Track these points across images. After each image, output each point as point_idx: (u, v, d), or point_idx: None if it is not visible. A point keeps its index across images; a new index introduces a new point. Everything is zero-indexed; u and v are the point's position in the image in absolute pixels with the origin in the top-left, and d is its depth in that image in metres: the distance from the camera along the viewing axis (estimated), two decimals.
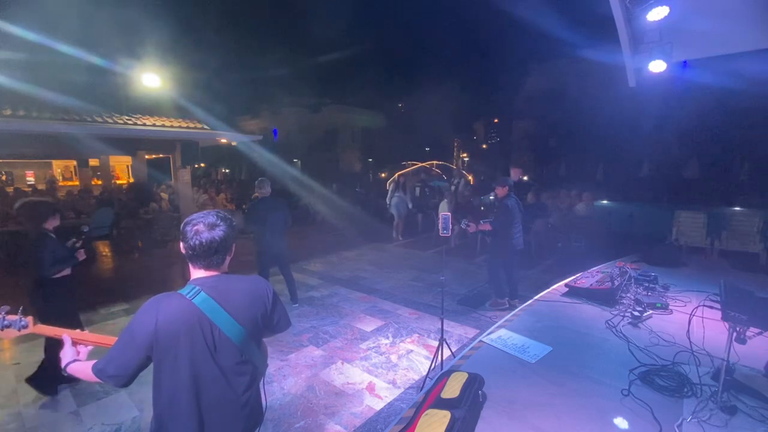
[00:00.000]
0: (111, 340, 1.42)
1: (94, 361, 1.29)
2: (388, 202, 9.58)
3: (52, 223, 2.97)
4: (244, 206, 11.08)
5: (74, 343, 1.42)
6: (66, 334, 1.42)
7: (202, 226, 1.32)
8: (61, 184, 13.53)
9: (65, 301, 3.01)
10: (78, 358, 1.37)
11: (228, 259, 1.41)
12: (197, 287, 1.31)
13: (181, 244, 1.35)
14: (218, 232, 1.33)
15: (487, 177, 18.26)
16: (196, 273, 1.37)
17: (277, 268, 4.91)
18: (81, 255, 3.04)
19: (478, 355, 2.11)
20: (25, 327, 1.41)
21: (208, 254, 1.33)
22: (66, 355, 1.37)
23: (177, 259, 7.69)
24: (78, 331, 1.47)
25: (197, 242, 1.31)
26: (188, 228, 1.33)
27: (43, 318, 2.79)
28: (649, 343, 2.19)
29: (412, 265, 7.12)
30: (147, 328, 1.22)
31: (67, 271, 3.00)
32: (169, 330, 1.24)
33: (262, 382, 1.55)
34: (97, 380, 1.28)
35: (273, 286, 1.53)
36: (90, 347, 1.44)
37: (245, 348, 1.37)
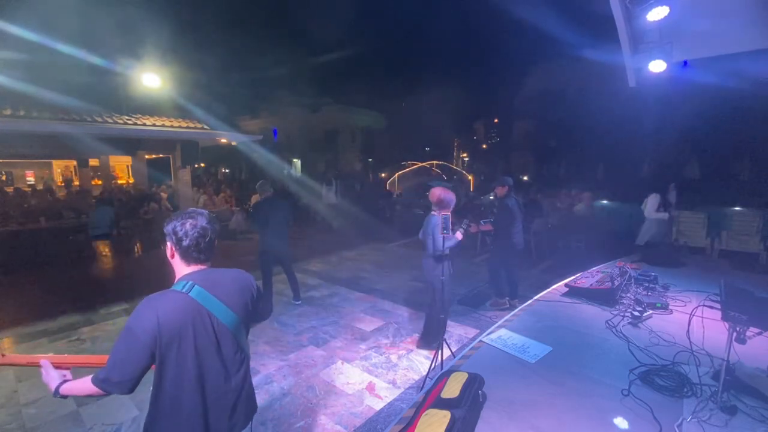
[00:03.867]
0: (90, 359, 1.44)
1: (90, 376, 1.26)
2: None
3: (447, 212, 3.44)
4: (245, 206, 11.08)
5: (55, 366, 1.38)
6: (44, 359, 1.39)
7: (195, 220, 1.37)
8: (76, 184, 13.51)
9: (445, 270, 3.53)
10: (67, 378, 1.35)
11: (212, 257, 1.46)
12: (190, 281, 1.34)
13: (172, 245, 1.37)
14: (212, 224, 1.40)
15: (487, 177, 18.27)
16: (186, 270, 1.39)
17: (281, 267, 4.98)
18: (459, 235, 3.48)
19: (478, 355, 2.10)
20: None
21: (209, 247, 1.39)
22: (53, 378, 1.33)
23: None
24: (54, 354, 1.45)
25: (191, 240, 1.35)
26: (179, 226, 1.35)
27: (440, 286, 3.39)
28: (649, 343, 2.18)
29: (413, 265, 7.11)
30: (149, 326, 1.22)
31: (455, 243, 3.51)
32: (171, 326, 1.25)
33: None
34: (98, 393, 1.24)
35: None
36: (70, 368, 1.42)
37: (239, 336, 1.41)
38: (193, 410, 1.29)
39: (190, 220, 1.37)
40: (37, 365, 1.39)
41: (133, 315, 1.26)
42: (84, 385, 1.27)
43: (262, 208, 4.70)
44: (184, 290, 1.31)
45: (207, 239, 1.38)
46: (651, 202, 6.11)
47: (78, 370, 1.40)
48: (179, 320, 1.26)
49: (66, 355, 1.47)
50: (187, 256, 1.38)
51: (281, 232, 4.75)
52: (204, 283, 1.35)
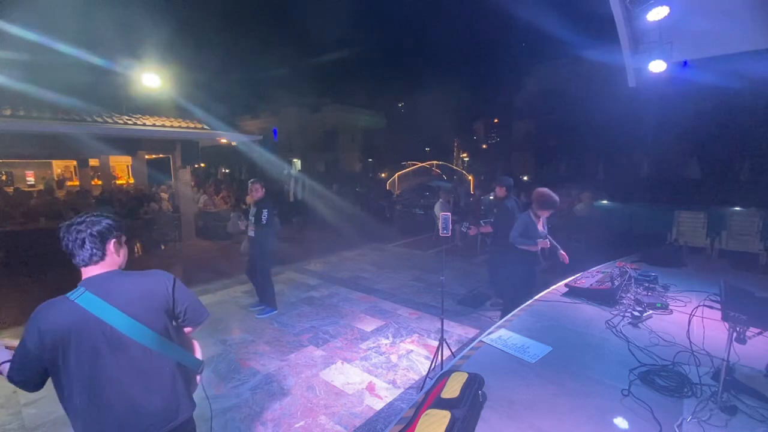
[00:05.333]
0: None
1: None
2: None
3: (544, 213, 3.65)
4: (243, 206, 11.08)
5: (8, 347, 1.42)
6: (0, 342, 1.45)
7: (67, 227, 1.38)
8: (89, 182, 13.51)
9: (526, 268, 3.72)
10: (9, 360, 1.38)
11: (109, 253, 1.42)
12: (82, 288, 1.33)
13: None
14: (83, 227, 1.38)
15: (487, 177, 18.27)
16: (85, 273, 1.39)
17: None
18: (544, 243, 3.61)
19: (478, 355, 2.10)
20: None
21: (76, 249, 1.36)
22: (0, 356, 1.39)
23: (177, 259, 7.70)
24: (15, 341, 1.47)
25: (66, 241, 1.36)
26: (60, 234, 1.38)
27: (508, 277, 3.70)
28: (649, 343, 2.18)
29: (412, 265, 7.12)
30: (34, 337, 1.25)
31: (536, 248, 3.61)
32: (52, 335, 1.25)
33: (199, 380, 1.56)
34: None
35: (174, 277, 1.53)
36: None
37: (152, 344, 1.37)
38: (86, 415, 1.28)
39: (66, 226, 1.37)
40: None
41: (27, 322, 1.28)
42: (5, 373, 1.33)
43: (274, 208, 4.67)
44: (72, 297, 1.31)
45: (76, 242, 1.36)
46: None
47: None
48: (59, 328, 1.26)
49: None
50: (74, 261, 1.38)
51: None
52: (97, 289, 1.33)
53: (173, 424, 1.41)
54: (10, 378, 1.29)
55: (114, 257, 1.44)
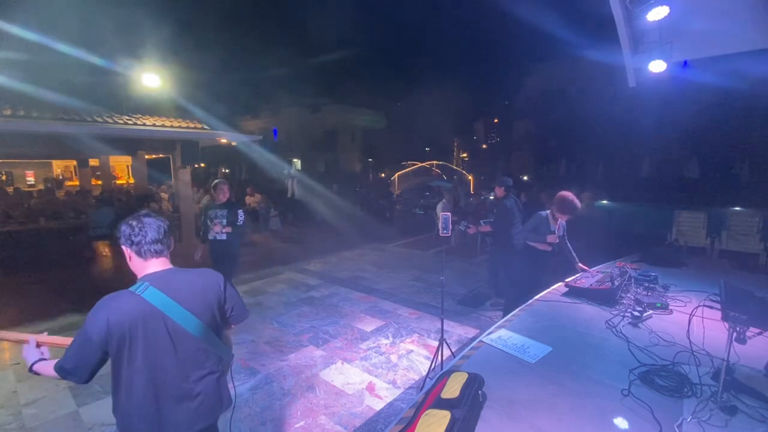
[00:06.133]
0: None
1: (57, 360, 1.34)
2: None
3: (562, 217, 3.63)
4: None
5: (38, 345, 1.47)
6: (31, 336, 1.48)
7: (142, 220, 1.42)
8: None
9: (526, 268, 3.70)
10: (43, 357, 1.42)
11: (170, 247, 1.50)
12: (146, 282, 1.37)
13: (125, 246, 1.42)
14: (159, 220, 1.46)
15: (487, 177, 18.29)
16: (146, 268, 1.43)
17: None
18: (553, 239, 3.57)
19: (478, 355, 2.10)
20: None
21: (156, 240, 1.42)
22: (32, 354, 1.42)
23: (177, 259, 7.68)
24: (42, 334, 1.52)
25: (147, 230, 1.40)
26: (128, 227, 1.41)
27: (508, 277, 3.68)
28: (649, 343, 2.18)
29: (412, 265, 7.12)
30: (100, 327, 1.27)
31: (545, 247, 3.62)
32: (121, 327, 1.28)
33: (229, 373, 1.61)
34: (58, 377, 1.33)
35: (224, 276, 1.60)
36: (48, 347, 1.49)
37: (204, 338, 1.42)
38: (145, 405, 1.32)
39: (137, 221, 1.42)
40: (26, 342, 1.48)
41: (90, 312, 1.30)
42: (49, 368, 1.35)
43: (242, 207, 4.58)
44: (137, 291, 1.34)
45: (159, 230, 1.43)
46: None
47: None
48: (128, 321, 1.29)
49: (55, 336, 1.52)
50: (142, 253, 1.42)
51: None
52: (160, 284, 1.38)
53: (217, 414, 1.49)
54: (61, 367, 1.30)
55: (169, 252, 1.51)
